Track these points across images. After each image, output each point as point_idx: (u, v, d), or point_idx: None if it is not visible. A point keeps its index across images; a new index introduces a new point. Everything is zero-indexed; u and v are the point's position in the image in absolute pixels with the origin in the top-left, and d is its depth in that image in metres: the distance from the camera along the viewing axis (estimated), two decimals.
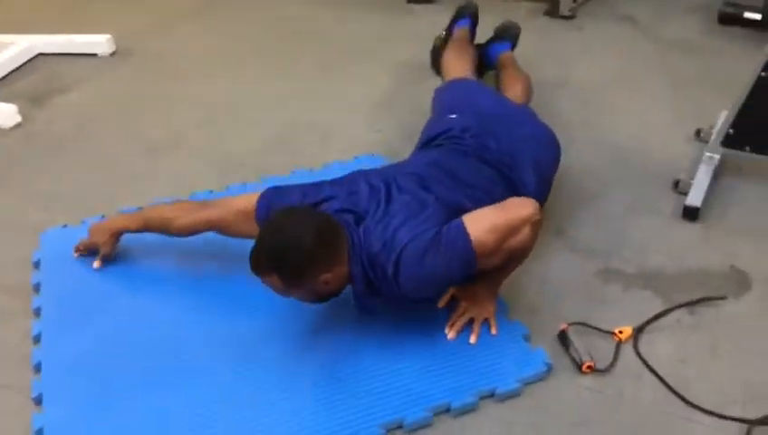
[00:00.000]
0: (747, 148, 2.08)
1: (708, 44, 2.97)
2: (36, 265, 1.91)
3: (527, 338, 1.63)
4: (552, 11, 3.25)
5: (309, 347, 1.62)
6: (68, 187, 2.26)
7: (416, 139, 1.97)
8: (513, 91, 2.24)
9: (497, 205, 1.56)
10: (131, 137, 2.51)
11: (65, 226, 2.05)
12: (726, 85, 2.62)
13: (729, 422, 1.42)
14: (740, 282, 1.78)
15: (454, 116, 1.91)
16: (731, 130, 2.08)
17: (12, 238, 2.04)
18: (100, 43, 3.07)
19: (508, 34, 2.64)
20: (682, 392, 1.49)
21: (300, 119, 2.58)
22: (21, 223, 2.09)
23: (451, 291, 1.66)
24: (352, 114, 2.60)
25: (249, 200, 1.66)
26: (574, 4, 3.27)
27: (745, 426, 1.41)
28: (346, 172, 1.73)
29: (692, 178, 2.07)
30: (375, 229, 1.50)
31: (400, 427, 1.44)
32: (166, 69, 3.01)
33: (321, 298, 1.54)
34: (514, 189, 1.71)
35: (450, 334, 1.61)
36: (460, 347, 1.60)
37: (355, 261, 1.48)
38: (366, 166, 1.83)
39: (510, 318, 1.67)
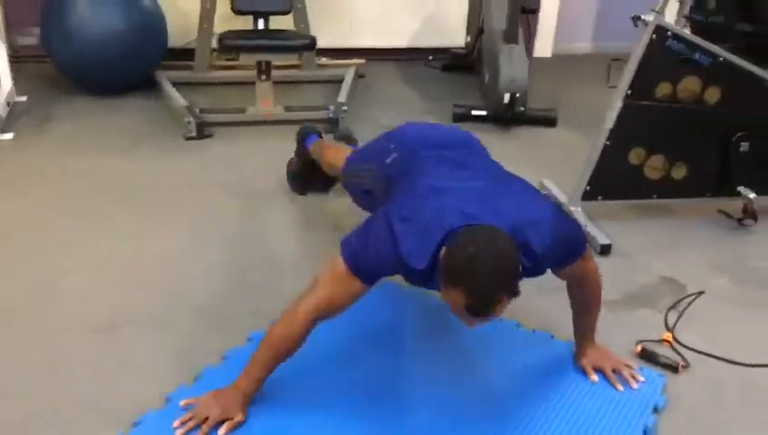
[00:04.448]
0: (599, 197, 2.81)
1: None
2: None
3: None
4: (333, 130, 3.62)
5: None
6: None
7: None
8: None
9: None
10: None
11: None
12: (515, 160, 3.40)
13: None
14: (675, 284, 2.43)
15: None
16: (587, 187, 2.79)
17: None
18: None
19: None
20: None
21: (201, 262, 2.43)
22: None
23: (586, 366, 1.90)
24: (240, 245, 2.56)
25: (338, 265, 1.59)
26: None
27: None
28: None
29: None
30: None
31: None
32: None
33: None
34: None
35: (618, 386, 1.87)
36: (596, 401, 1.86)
37: None
38: None
39: None
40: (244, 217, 2.76)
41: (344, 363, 1.90)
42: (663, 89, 2.67)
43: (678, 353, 2.05)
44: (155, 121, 3.68)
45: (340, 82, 4.40)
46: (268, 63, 3.57)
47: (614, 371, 1.91)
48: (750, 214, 2.84)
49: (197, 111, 3.59)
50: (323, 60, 4.62)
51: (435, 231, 1.51)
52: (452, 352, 1.99)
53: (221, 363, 1.90)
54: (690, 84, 2.69)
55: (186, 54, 4.28)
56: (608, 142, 2.71)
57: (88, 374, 1.86)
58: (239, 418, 1.63)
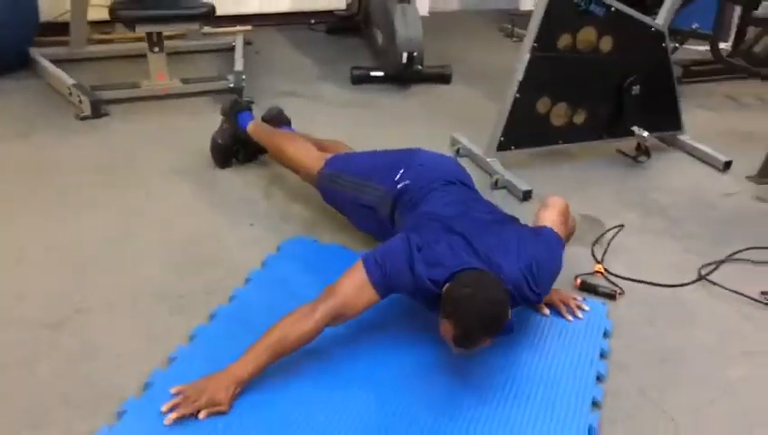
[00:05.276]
0: (512, 147, 2.96)
1: (371, 97, 3.79)
2: None
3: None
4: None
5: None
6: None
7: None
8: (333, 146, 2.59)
9: (544, 207, 2.04)
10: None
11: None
12: (419, 117, 3.52)
13: None
14: (593, 220, 2.63)
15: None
16: (502, 138, 2.93)
17: None
18: None
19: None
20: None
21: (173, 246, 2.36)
22: None
23: (542, 305, 2.04)
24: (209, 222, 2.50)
25: (358, 274, 1.71)
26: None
27: None
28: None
29: (501, 175, 2.84)
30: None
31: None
32: None
33: None
34: None
35: (568, 317, 2.04)
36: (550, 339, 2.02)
37: None
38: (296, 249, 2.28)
39: None
40: (167, 195, 2.67)
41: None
42: (564, 40, 2.85)
43: (612, 283, 2.25)
44: (40, 103, 3.44)
45: (226, 50, 4.31)
46: (159, 35, 3.42)
47: (563, 304, 2.07)
48: (643, 151, 3.11)
49: (88, 88, 3.38)
50: (206, 28, 4.47)
51: (449, 266, 1.70)
52: (420, 313, 2.04)
53: (191, 344, 1.87)
54: (587, 35, 2.88)
55: (59, 29, 4.00)
56: (518, 94, 2.85)
57: (51, 370, 1.77)
58: (224, 408, 1.62)
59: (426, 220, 1.90)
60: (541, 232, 1.92)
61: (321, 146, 2.55)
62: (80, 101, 3.31)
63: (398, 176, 2.13)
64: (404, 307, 2.02)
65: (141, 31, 3.25)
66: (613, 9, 2.86)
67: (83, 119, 3.27)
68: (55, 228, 2.40)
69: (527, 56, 2.80)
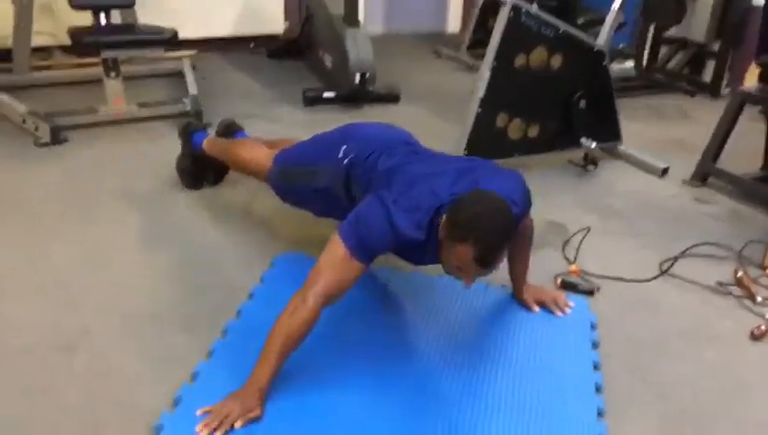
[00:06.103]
0: None
1: (327, 117, 3.88)
2: None
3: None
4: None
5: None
6: None
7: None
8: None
9: None
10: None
11: None
12: None
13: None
14: (558, 225, 2.82)
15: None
16: (465, 152, 3.09)
17: None
18: None
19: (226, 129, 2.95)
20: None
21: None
22: None
23: (528, 300, 2.21)
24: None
25: (336, 246, 1.72)
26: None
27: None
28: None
29: None
30: None
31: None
32: None
33: None
34: None
35: (558, 312, 2.20)
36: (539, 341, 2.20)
37: None
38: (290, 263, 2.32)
39: None
40: (143, 220, 2.68)
41: (336, 337, 2.00)
42: (520, 59, 3.05)
43: (587, 281, 2.44)
44: None
45: (173, 75, 4.32)
46: (115, 60, 3.41)
47: (551, 301, 2.23)
48: (591, 161, 3.35)
49: (43, 114, 3.33)
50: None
51: (427, 208, 1.75)
52: (426, 316, 2.16)
53: (211, 358, 1.91)
54: (539, 54, 3.10)
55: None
56: (479, 110, 3.03)
57: (76, 393, 1.77)
58: (258, 413, 1.67)
59: (392, 175, 1.89)
60: (511, 172, 1.97)
61: (271, 145, 2.54)
62: (36, 129, 3.26)
63: (341, 153, 2.13)
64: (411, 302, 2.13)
65: (107, 56, 3.24)
66: (561, 31, 3.09)
67: (42, 145, 3.21)
68: (33, 259, 2.37)
69: (487, 74, 2.98)
